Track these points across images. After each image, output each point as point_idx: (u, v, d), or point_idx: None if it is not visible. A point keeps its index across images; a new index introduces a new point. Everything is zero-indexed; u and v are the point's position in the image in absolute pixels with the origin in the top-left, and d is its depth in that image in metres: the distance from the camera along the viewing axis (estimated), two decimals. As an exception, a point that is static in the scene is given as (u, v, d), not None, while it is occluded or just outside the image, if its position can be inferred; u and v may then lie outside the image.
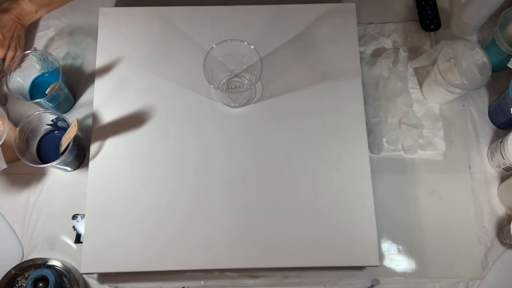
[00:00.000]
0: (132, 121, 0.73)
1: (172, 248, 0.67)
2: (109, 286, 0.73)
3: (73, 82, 0.81)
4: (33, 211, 0.75)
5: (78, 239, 0.74)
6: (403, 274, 0.73)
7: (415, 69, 0.83)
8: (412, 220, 0.75)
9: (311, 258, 0.67)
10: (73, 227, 0.75)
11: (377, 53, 0.84)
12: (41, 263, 0.71)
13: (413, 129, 0.76)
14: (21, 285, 0.71)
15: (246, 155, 0.71)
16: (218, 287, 0.73)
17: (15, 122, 0.75)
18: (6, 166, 0.69)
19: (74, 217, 0.75)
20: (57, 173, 0.77)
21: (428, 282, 0.73)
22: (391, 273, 0.73)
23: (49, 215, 0.75)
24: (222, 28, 0.77)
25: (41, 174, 0.77)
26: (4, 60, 0.75)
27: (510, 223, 0.70)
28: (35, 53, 0.75)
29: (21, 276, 0.71)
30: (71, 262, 0.72)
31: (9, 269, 0.70)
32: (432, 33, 0.85)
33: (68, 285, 0.70)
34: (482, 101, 0.82)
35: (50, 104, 0.75)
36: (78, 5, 0.87)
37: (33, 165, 0.68)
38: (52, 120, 0.72)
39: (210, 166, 0.71)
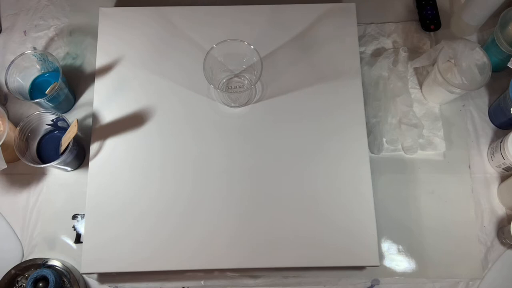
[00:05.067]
0: (132, 121, 0.73)
1: (172, 248, 0.67)
2: (109, 286, 0.73)
3: (73, 82, 0.81)
4: (33, 211, 0.75)
5: (78, 239, 0.74)
6: (403, 274, 0.73)
7: (415, 69, 0.83)
8: (412, 220, 0.75)
9: (311, 258, 0.67)
10: (73, 227, 0.75)
11: (377, 53, 0.84)
12: (41, 263, 0.71)
13: (413, 129, 0.76)
14: (21, 285, 0.71)
15: (246, 155, 0.71)
16: (218, 287, 0.73)
17: (15, 122, 0.75)
18: (6, 166, 0.69)
19: (74, 217, 0.75)
20: (57, 173, 0.77)
21: (428, 282, 0.73)
22: (391, 273, 0.73)
23: (49, 215, 0.75)
24: (222, 28, 0.77)
25: (41, 174, 0.77)
26: None
27: (510, 223, 0.70)
28: (35, 53, 0.75)
29: (21, 276, 0.71)
30: (71, 262, 0.72)
31: (9, 269, 0.70)
32: (432, 33, 0.85)
33: (68, 285, 0.70)
34: (482, 101, 0.82)
35: (50, 104, 0.75)
36: (78, 5, 0.88)
37: (33, 165, 0.68)
38: (52, 120, 0.72)
39: (210, 166, 0.71)
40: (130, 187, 0.70)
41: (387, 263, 0.73)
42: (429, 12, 0.85)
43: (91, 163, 0.71)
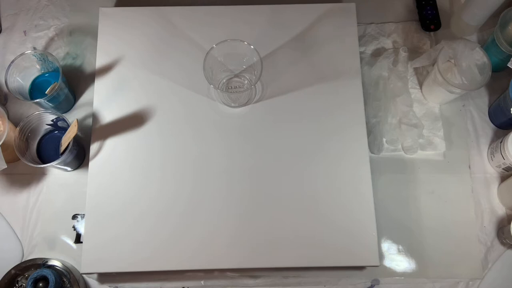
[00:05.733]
0: (132, 121, 0.73)
1: (172, 248, 0.67)
2: (109, 286, 0.73)
3: (73, 82, 0.81)
4: (33, 211, 0.75)
5: (78, 239, 0.74)
6: (403, 274, 0.73)
7: (415, 69, 0.83)
8: (412, 220, 0.75)
9: (311, 258, 0.67)
10: (73, 227, 0.75)
11: (377, 53, 0.84)
12: (41, 263, 0.71)
13: (413, 129, 0.76)
14: (21, 285, 0.71)
15: (246, 155, 0.71)
16: (218, 287, 0.73)
17: (15, 122, 0.75)
18: (6, 166, 0.69)
19: (74, 217, 0.75)
20: (57, 173, 0.77)
21: (428, 282, 0.73)
22: (391, 273, 0.73)
23: (49, 215, 0.75)
24: (222, 28, 0.77)
25: (41, 174, 0.77)
26: None
27: (510, 223, 0.70)
28: (35, 53, 0.75)
29: (21, 276, 0.71)
30: (71, 262, 0.72)
31: (9, 269, 0.70)
32: (432, 33, 0.85)
33: (68, 285, 0.70)
34: (482, 101, 0.82)
35: (50, 104, 0.75)
36: (78, 5, 0.88)
37: (33, 165, 0.68)
38: (52, 120, 0.72)
39: (209, 166, 0.71)
40: (130, 187, 0.70)
41: (387, 263, 0.73)
42: (429, 12, 0.85)
43: (91, 163, 0.71)
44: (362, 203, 0.69)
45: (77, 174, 0.77)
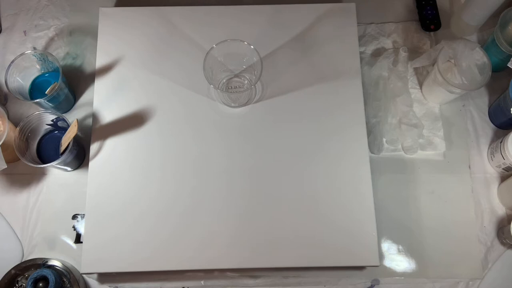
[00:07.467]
0: (132, 121, 0.73)
1: (172, 248, 0.67)
2: (109, 286, 0.73)
3: (73, 82, 0.81)
4: (33, 211, 0.75)
5: (78, 239, 0.74)
6: (403, 274, 0.73)
7: (415, 69, 0.83)
8: (412, 220, 0.75)
9: (311, 258, 0.67)
10: (73, 227, 0.75)
11: (377, 53, 0.84)
12: (41, 263, 0.71)
13: (413, 129, 0.76)
14: (21, 285, 0.71)
15: (246, 155, 0.71)
16: (218, 287, 0.73)
17: (15, 122, 0.75)
18: (6, 166, 0.69)
19: (74, 217, 0.75)
20: (57, 173, 0.77)
21: (428, 282, 0.73)
22: (391, 273, 0.73)
23: (49, 215, 0.75)
24: (222, 28, 0.77)
25: (41, 174, 0.77)
26: None
27: (510, 223, 0.70)
28: (35, 53, 0.75)
29: (21, 276, 0.71)
30: (71, 262, 0.72)
31: (9, 269, 0.70)
32: (432, 33, 0.85)
33: (68, 285, 0.70)
34: (482, 101, 0.82)
35: (50, 104, 0.75)
36: (78, 5, 0.88)
37: (33, 165, 0.68)
38: (52, 120, 0.72)
39: (209, 166, 0.71)
40: (130, 187, 0.70)
41: (387, 263, 0.73)
42: (429, 12, 0.85)
43: (91, 163, 0.71)
44: (362, 203, 0.69)
45: (77, 174, 0.77)
